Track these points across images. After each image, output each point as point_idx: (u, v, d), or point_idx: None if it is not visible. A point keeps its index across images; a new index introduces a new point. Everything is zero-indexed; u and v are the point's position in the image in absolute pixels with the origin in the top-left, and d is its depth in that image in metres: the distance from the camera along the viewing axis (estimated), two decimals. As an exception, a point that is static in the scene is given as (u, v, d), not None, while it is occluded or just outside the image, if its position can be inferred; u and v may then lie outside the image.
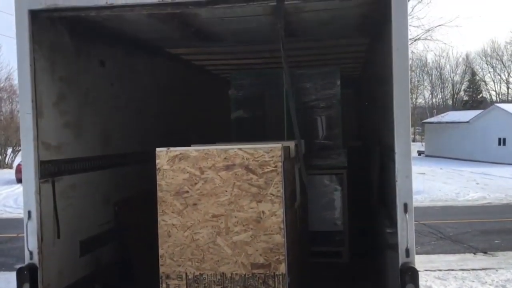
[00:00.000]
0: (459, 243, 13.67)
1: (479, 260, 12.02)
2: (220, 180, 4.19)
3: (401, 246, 3.81)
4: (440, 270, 11.14)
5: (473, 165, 35.82)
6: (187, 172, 4.23)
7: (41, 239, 4.18)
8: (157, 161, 4.26)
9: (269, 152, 4.14)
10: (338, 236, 6.63)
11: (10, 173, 32.02)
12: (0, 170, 38.28)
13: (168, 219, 4.25)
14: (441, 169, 34.58)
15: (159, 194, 4.26)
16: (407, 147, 3.99)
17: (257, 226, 4.16)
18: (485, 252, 12.67)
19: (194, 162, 4.23)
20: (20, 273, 4.05)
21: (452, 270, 11.15)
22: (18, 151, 36.16)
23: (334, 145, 6.86)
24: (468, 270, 11.12)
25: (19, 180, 25.24)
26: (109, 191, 5.54)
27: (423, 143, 55.95)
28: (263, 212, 4.16)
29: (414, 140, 72.76)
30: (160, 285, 4.26)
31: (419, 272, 10.34)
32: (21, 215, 4.26)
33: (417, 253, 11.92)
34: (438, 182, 26.83)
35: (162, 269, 4.26)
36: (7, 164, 40.32)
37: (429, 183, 25.75)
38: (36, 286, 4.10)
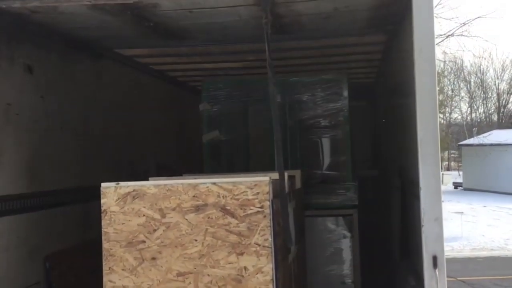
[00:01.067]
0: (510, 306, 13.74)
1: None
2: (188, 226, 4.20)
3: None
4: None
5: (527, 201, 36.08)
6: (143, 215, 4.24)
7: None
8: (102, 200, 4.26)
9: (253, 188, 4.17)
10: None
11: None
12: None
13: (116, 279, 4.23)
14: (484, 206, 34.83)
15: (105, 245, 4.25)
16: (436, 179, 4.04)
17: (237, 287, 4.16)
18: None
19: (152, 202, 4.23)
20: None
21: None
22: None
23: (341, 176, 6.90)
24: None
25: None
26: (38, 242, 5.50)
27: (460, 173, 56.34)
28: (245, 268, 4.16)
29: (448, 169, 73.21)
30: None
31: None
32: None
33: (455, 321, 11.97)
34: (481, 224, 26.99)
35: None
36: None
37: (469, 225, 25.89)
38: None
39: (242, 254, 4.16)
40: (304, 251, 6.24)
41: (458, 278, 16.50)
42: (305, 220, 6.45)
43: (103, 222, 4.26)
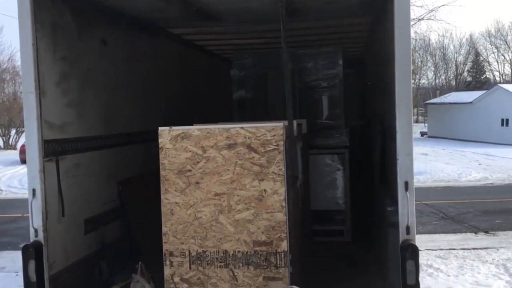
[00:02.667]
0: (461, 223, 13.74)
1: (480, 239, 12.09)
2: (222, 159, 4.22)
3: (402, 224, 3.85)
4: (441, 249, 11.21)
5: (476, 146, 35.80)
6: (190, 151, 4.26)
7: (45, 217, 4.23)
8: (159, 140, 4.29)
9: (271, 131, 4.16)
10: (339, 215, 6.68)
11: (14, 154, 32.18)
12: (4, 152, 38.47)
13: (171, 198, 4.29)
14: (443, 149, 34.58)
15: (162, 172, 4.30)
16: (409, 126, 4.00)
17: (259, 204, 4.20)
18: (486, 232, 12.73)
19: (196, 141, 4.25)
20: (25, 250, 4.10)
21: (454, 249, 11.22)
22: (22, 132, 36.24)
23: (336, 124, 6.86)
24: (469, 249, 11.19)
25: (23, 161, 25.34)
26: (113, 170, 5.58)
27: (426, 124, 55.85)
28: (265, 190, 4.19)
29: (417, 121, 72.51)
30: (164, 262, 4.32)
31: (420, 251, 10.37)
32: (26, 196, 4.31)
33: (418, 233, 11.96)
34: (440, 162, 26.83)
35: (165, 247, 4.31)
36: (11, 146, 40.49)
37: (432, 163, 25.75)
38: (41, 263, 4.15)
39: (262, 180, 4.18)
40: (308, 180, 6.25)
41: (422, 202, 16.49)
42: (309, 157, 6.45)
43: (160, 156, 4.30)
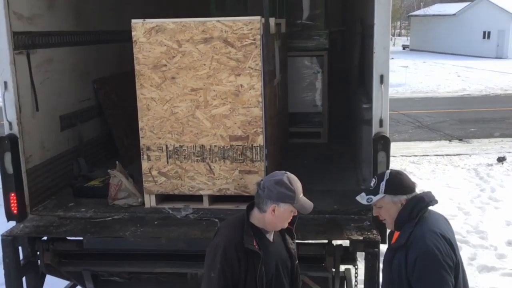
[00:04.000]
0: (436, 131, 14.06)
1: (454, 146, 12.45)
2: (198, 54, 4.15)
3: (375, 117, 3.90)
4: (415, 156, 11.55)
5: (457, 58, 35.88)
6: (165, 45, 4.17)
7: (19, 110, 4.18)
8: (133, 33, 4.18)
9: (248, 25, 4.08)
10: (317, 118, 6.74)
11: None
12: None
13: (146, 93, 4.25)
14: (424, 62, 34.62)
15: (136, 67, 4.23)
16: (387, 20, 3.92)
17: (235, 99, 4.20)
18: (460, 140, 13.09)
19: (171, 35, 4.15)
20: (0, 142, 4.08)
21: (427, 155, 11.58)
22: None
23: (316, 26, 6.75)
24: (443, 155, 11.56)
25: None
26: (88, 69, 5.47)
27: (408, 38, 55.40)
28: (241, 85, 4.17)
29: (400, 35, 71.83)
30: (141, 156, 4.36)
31: (394, 157, 10.65)
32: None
33: (394, 141, 12.23)
34: (420, 75, 26.97)
35: (142, 141, 4.34)
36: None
37: (411, 76, 25.89)
38: (18, 156, 4.16)
39: (239, 75, 4.15)
40: (286, 81, 6.24)
41: (400, 112, 16.74)
42: (288, 60, 6.40)
43: (134, 50, 4.20)
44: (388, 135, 3.87)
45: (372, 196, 2.94)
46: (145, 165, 4.37)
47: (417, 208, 2.86)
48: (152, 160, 4.36)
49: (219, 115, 4.23)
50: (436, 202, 2.96)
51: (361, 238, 3.75)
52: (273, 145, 4.65)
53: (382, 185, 2.91)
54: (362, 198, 2.98)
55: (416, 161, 11.04)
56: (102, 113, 5.68)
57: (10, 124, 4.14)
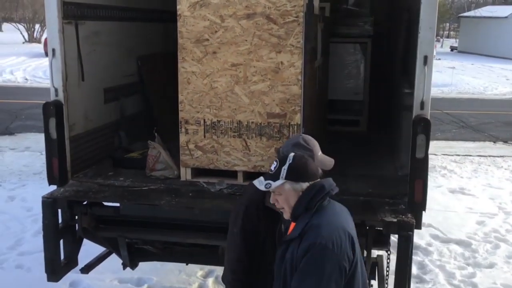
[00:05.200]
0: (480, 132, 13.69)
1: (498, 148, 12.10)
2: (241, 29, 4.17)
3: (417, 99, 3.83)
4: (458, 155, 11.29)
5: (506, 62, 34.71)
6: (208, 20, 4.21)
7: (65, 78, 4.30)
8: (177, 7, 4.23)
9: (291, 1, 4.07)
10: (357, 106, 6.67)
11: (39, 47, 32.37)
12: (29, 44, 38.71)
13: (187, 66, 4.31)
14: (472, 64, 33.69)
15: (179, 41, 4.28)
16: (433, 4, 3.84)
17: (275, 76, 4.20)
18: (505, 141, 12.70)
19: (215, 10, 4.19)
20: (46, 107, 4.21)
21: (470, 155, 11.29)
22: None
23: (361, 12, 6.67)
24: (486, 156, 11.25)
25: (47, 54, 25.49)
26: (132, 45, 5.58)
27: (457, 40, 54.10)
28: (281, 62, 4.17)
29: (448, 36, 70.22)
30: (180, 129, 4.42)
31: (436, 156, 10.43)
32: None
33: (437, 139, 12.00)
34: (467, 76, 26.28)
35: (181, 115, 4.40)
36: (35, 39, 40.64)
37: (458, 76, 25.24)
38: (62, 122, 4.28)
39: (280, 52, 4.15)
40: (327, 66, 6.19)
41: (444, 111, 16.38)
42: (330, 46, 6.35)
43: (178, 24, 4.25)
44: (429, 118, 3.79)
45: (271, 182, 2.61)
46: (182, 138, 4.43)
47: (316, 197, 2.57)
48: (189, 134, 4.42)
49: (257, 92, 4.25)
50: (337, 189, 2.69)
51: (395, 220, 3.70)
52: (311, 125, 4.63)
53: (284, 169, 2.60)
54: (260, 183, 2.66)
55: (458, 161, 10.79)
56: (144, 89, 5.78)
57: (56, 90, 4.27)
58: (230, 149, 4.38)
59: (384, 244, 3.95)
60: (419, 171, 3.82)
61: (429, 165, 10.20)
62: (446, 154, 11.28)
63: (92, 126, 4.83)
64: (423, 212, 3.90)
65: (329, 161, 2.96)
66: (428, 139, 3.76)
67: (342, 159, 5.18)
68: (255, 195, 2.99)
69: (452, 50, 49.09)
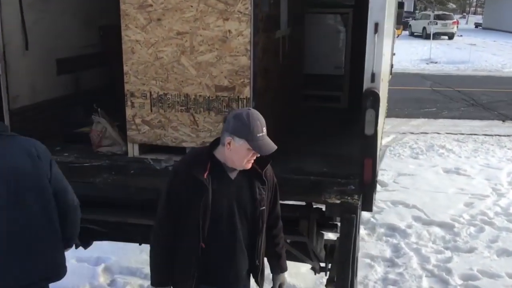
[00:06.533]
0: (490, 110, 13.13)
1: (507, 127, 11.57)
2: (186, -6, 3.87)
3: (367, 71, 3.50)
4: (461, 134, 10.83)
5: (530, 40, 33.48)
6: (151, -16, 3.91)
7: (2, 47, 4.07)
8: (119, -30, 3.95)
9: (239, -37, 3.74)
10: (337, 81, 6.31)
11: None
12: None
13: (131, 35, 4.03)
14: (494, 41, 32.58)
15: (122, 6, 4.00)
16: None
17: (222, 46, 3.90)
18: (514, 120, 12.16)
19: (158, -28, 3.89)
20: (-18, 79, 4.00)
21: (475, 134, 10.82)
22: None
23: (342, -19, 6.26)
24: (492, 135, 10.77)
25: None
26: (93, 14, 5.31)
27: (483, 16, 52.48)
28: (229, 31, 3.86)
29: (475, 13, 68.33)
30: (125, 103, 4.17)
31: (439, 135, 9.94)
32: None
33: (443, 117, 11.47)
34: (487, 53, 25.38)
35: (127, 87, 4.14)
36: None
37: (477, 53, 24.44)
38: (0, 94, 4.07)
39: (227, 19, 3.83)
40: (301, 38, 5.84)
41: (455, 88, 15.81)
42: (309, 17, 5.99)
43: (120, -12, 3.98)
44: (379, 92, 3.46)
45: None
46: (129, 112, 4.17)
47: None
48: (136, 107, 4.16)
49: (205, 63, 3.95)
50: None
51: (338, 202, 3.40)
52: (264, 100, 4.32)
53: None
54: None
55: (461, 140, 10.33)
56: (106, 62, 5.52)
57: (-8, 61, 4.05)
58: (177, 124, 4.11)
59: (331, 226, 3.66)
60: (368, 150, 3.51)
61: (427, 144, 9.77)
62: (450, 133, 10.84)
63: (42, 98, 4.62)
64: (374, 193, 3.59)
65: (268, 147, 2.69)
66: (377, 115, 3.44)
67: (309, 136, 4.89)
68: (190, 162, 2.86)
69: (476, 27, 47.70)
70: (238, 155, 2.73)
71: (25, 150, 2.83)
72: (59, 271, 2.98)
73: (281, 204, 3.58)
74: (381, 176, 7.58)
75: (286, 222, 3.62)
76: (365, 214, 5.93)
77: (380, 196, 6.87)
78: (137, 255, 5.27)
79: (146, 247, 5.28)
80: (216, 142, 2.86)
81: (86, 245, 4.65)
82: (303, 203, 3.72)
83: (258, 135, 2.69)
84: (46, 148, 3.02)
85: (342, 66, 6.26)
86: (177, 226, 2.84)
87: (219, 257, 2.84)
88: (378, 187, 7.28)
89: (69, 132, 4.64)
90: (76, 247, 4.70)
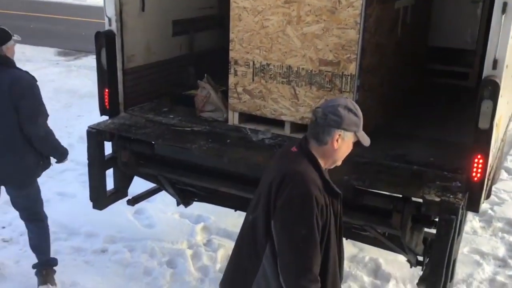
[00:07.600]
0: None
1: None
2: (297, -40, 3.63)
3: (489, 55, 3.04)
4: None
5: None
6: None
7: (119, 8, 4.15)
8: None
9: None
10: (467, 56, 5.67)
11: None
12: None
13: (240, 1, 3.90)
14: None
15: (231, -28, 3.88)
16: None
17: (330, 17, 3.63)
18: None
19: None
20: (97, 37, 4.13)
21: None
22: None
23: None
24: None
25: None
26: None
27: None
28: (339, 1, 3.58)
29: None
30: (229, 70, 4.10)
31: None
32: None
33: None
34: None
35: (231, 54, 4.06)
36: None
37: None
38: (114, 53, 4.19)
39: (338, -11, 3.55)
40: (428, 8, 5.29)
41: None
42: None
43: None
44: (500, 82, 3.00)
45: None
46: (231, 80, 4.11)
47: None
48: (238, 76, 4.08)
49: (310, 34, 3.72)
50: None
51: (437, 199, 3.05)
52: (374, 78, 3.99)
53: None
54: None
55: None
56: (222, 24, 5.46)
57: (109, 20, 4.15)
58: (278, 96, 3.97)
59: (428, 223, 3.33)
60: (480, 145, 3.09)
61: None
62: None
63: (155, 59, 4.70)
64: (483, 193, 3.18)
65: (368, 138, 2.45)
66: (495, 107, 2.99)
67: (423, 117, 4.46)
68: (314, 177, 2.33)
69: None
70: (344, 151, 2.42)
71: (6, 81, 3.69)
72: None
73: (375, 193, 3.34)
74: (510, 162, 6.82)
75: (378, 212, 3.38)
76: (483, 204, 5.38)
77: (503, 185, 6.20)
78: (235, 218, 5.30)
79: (243, 213, 5.33)
80: (304, 146, 2.43)
81: (186, 204, 4.77)
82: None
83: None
84: (28, 83, 3.76)
85: (475, 40, 5.60)
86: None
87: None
88: (505, 175, 6.56)
89: (177, 94, 4.70)
90: (178, 205, 4.86)
